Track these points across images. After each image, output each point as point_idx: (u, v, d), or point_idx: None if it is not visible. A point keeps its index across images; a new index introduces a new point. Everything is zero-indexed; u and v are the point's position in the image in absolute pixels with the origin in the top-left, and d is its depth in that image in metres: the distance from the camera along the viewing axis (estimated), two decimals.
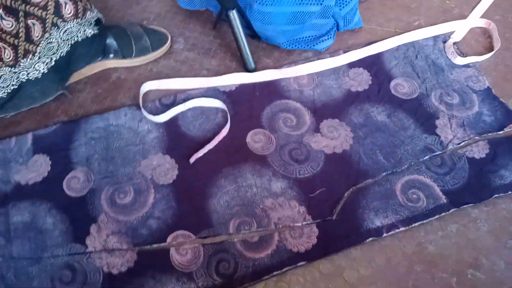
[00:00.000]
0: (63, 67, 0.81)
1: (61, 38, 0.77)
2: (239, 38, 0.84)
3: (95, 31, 0.81)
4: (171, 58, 0.91)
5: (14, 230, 0.70)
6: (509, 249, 0.67)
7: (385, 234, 0.67)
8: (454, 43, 0.90)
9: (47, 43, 0.76)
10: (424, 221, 0.69)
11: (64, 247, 0.69)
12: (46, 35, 0.74)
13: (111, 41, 0.85)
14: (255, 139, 0.79)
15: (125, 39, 0.87)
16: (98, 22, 0.83)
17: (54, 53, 0.78)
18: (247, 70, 0.87)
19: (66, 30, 0.77)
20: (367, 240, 0.67)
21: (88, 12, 0.78)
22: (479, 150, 0.75)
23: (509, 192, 0.71)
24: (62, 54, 0.79)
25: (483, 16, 0.94)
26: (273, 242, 0.68)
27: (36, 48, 0.74)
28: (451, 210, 0.69)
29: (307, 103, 0.83)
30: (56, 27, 0.75)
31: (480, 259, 0.66)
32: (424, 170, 0.73)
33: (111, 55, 0.87)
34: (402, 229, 0.68)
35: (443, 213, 0.69)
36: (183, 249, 0.67)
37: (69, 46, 0.79)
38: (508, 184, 0.71)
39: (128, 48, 0.87)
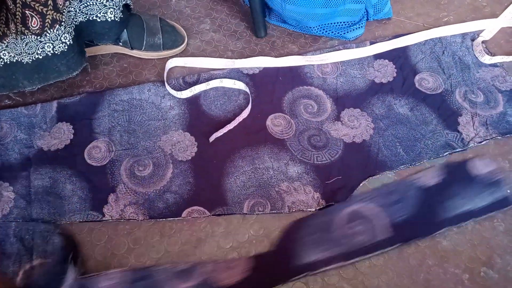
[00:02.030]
0: (81, 39, 0.81)
1: (79, 9, 0.77)
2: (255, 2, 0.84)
3: (117, 18, 0.80)
4: (197, 38, 0.92)
5: (35, 193, 0.72)
6: None
7: (323, 269, 0.63)
8: (482, 42, 0.88)
9: (68, 11, 0.76)
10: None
11: (82, 213, 0.70)
12: (67, 3, 0.74)
13: (124, 32, 0.85)
14: (275, 123, 0.79)
15: (137, 33, 0.86)
16: (127, 7, 0.83)
17: (72, 22, 0.77)
18: (256, 36, 0.89)
19: (87, 6, 0.77)
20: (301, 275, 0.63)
21: None
22: (431, 177, 0.71)
23: (460, 224, 0.68)
24: (77, 23, 0.78)
25: None
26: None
27: (62, 17, 0.74)
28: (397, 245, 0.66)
29: (330, 91, 0.82)
30: (78, 0, 0.75)
31: (494, 257, 0.66)
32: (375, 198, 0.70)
33: (120, 43, 0.87)
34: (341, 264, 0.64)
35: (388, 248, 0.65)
36: None
37: (86, 19, 0.79)
38: (459, 215, 0.68)
39: (138, 41, 0.86)
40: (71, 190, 0.73)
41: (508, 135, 0.76)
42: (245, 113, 0.79)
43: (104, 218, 0.70)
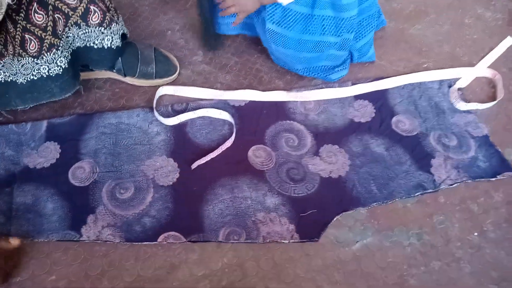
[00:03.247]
0: (76, 63, 0.84)
1: (78, 35, 0.80)
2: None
3: (113, 46, 0.83)
4: (189, 69, 0.96)
5: (16, 209, 0.74)
6: None
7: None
8: (458, 89, 0.93)
9: (66, 37, 0.78)
10: None
11: (60, 232, 0.72)
12: (66, 29, 0.77)
13: (119, 60, 0.88)
14: (256, 154, 0.82)
15: (131, 61, 0.89)
16: (123, 36, 0.86)
17: (70, 46, 0.80)
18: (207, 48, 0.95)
19: (85, 33, 0.80)
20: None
21: (114, 24, 0.81)
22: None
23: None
24: (74, 48, 0.81)
25: (491, 66, 0.98)
26: None
27: (59, 42, 0.77)
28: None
29: (311, 127, 0.86)
30: (77, 27, 0.78)
31: None
32: None
33: (114, 70, 0.90)
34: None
35: None
36: None
37: (84, 45, 0.82)
38: None
39: (132, 69, 0.89)
40: (52, 208, 0.74)
41: (478, 179, 0.79)
42: (228, 143, 0.82)
43: (81, 239, 0.71)
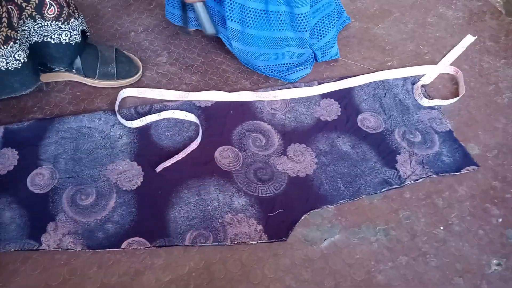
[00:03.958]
0: (35, 58, 0.82)
1: (34, 29, 0.78)
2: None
3: (72, 42, 0.81)
4: (153, 70, 0.94)
5: None
6: (455, 285, 0.69)
7: None
8: (422, 86, 0.95)
9: (22, 30, 0.77)
10: None
11: (18, 242, 0.69)
12: (21, 22, 0.75)
13: (78, 59, 0.86)
14: (223, 155, 0.81)
15: (91, 61, 0.87)
16: (83, 34, 0.84)
17: (27, 40, 0.78)
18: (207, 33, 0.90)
19: (41, 26, 0.78)
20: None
21: (73, 19, 0.79)
22: None
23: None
24: (32, 43, 0.79)
25: (453, 63, 1.00)
26: None
27: (16, 35, 0.75)
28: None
29: (278, 126, 0.86)
30: (32, 20, 0.76)
31: None
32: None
33: (74, 70, 0.88)
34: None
35: None
36: None
37: (41, 40, 0.80)
38: None
39: (91, 69, 0.87)
40: (9, 217, 0.71)
41: (443, 174, 0.81)
42: (194, 145, 0.81)
43: (41, 247, 0.68)
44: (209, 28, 0.88)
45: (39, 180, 0.75)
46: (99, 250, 0.69)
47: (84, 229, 0.70)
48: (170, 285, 0.67)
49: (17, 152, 0.78)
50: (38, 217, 0.71)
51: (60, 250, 0.68)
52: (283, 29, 0.82)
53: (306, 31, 0.84)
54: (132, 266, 0.68)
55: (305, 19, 0.83)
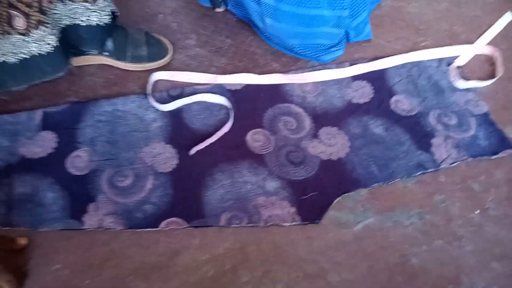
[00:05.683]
0: (67, 42, 0.83)
1: (63, 12, 0.79)
2: None
3: (101, 23, 0.82)
4: (182, 53, 0.94)
5: (16, 200, 0.73)
6: (491, 270, 0.69)
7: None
8: (457, 67, 0.92)
9: (53, 13, 0.77)
10: None
11: (61, 221, 0.71)
12: (51, 5, 0.76)
13: (109, 41, 0.87)
14: (255, 138, 0.81)
15: (122, 43, 0.88)
16: (113, 15, 0.85)
17: (57, 24, 0.79)
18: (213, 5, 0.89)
19: (71, 9, 0.79)
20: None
21: (100, 0, 0.80)
22: None
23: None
24: (63, 26, 0.80)
25: (490, 43, 0.97)
26: None
27: (46, 19, 0.76)
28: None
29: (309, 109, 0.85)
30: (62, 3, 0.77)
31: (461, 277, 0.68)
32: None
33: (106, 53, 0.88)
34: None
35: None
36: None
37: (72, 23, 0.81)
38: None
39: (122, 52, 0.88)
40: (52, 198, 0.74)
41: (479, 158, 0.79)
42: (226, 128, 0.81)
43: (82, 227, 0.71)
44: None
45: (78, 162, 0.77)
46: (138, 230, 0.71)
47: (123, 209, 0.72)
48: (207, 264, 0.69)
49: (55, 135, 0.80)
50: (79, 198, 0.74)
51: (101, 229, 0.71)
52: (319, 6, 0.80)
53: (345, 9, 0.82)
54: (170, 246, 0.70)
55: None
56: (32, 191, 0.74)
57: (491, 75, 0.92)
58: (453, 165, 0.78)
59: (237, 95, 0.87)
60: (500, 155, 0.80)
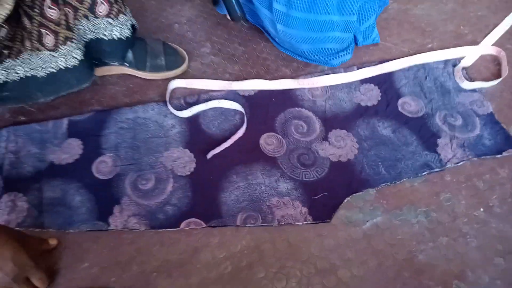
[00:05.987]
0: (91, 55, 0.88)
1: (88, 27, 0.84)
2: None
3: (123, 37, 0.87)
4: (197, 61, 0.99)
5: (46, 204, 0.79)
6: (496, 265, 0.72)
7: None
8: (463, 68, 0.94)
9: (78, 29, 0.83)
10: None
11: (89, 223, 0.77)
12: (76, 22, 0.81)
13: (130, 52, 0.92)
14: (268, 142, 0.86)
15: (141, 54, 0.93)
16: (132, 28, 0.89)
17: (82, 38, 0.84)
18: (232, 19, 0.91)
19: (95, 24, 0.83)
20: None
21: (121, 15, 0.84)
22: None
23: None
24: (87, 40, 0.85)
25: (495, 44, 0.98)
26: None
27: (73, 35, 0.81)
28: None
29: (319, 113, 0.89)
30: (86, 19, 0.82)
31: (466, 272, 0.71)
32: None
33: (127, 64, 0.93)
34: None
35: None
36: None
37: (95, 37, 0.86)
38: None
39: (142, 63, 0.93)
40: (79, 201, 0.79)
41: (484, 157, 0.82)
42: (240, 132, 0.86)
43: (109, 228, 0.76)
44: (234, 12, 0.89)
45: (103, 167, 0.83)
46: (161, 230, 0.76)
47: (146, 211, 0.78)
48: (225, 261, 0.73)
49: (81, 142, 0.86)
50: (105, 201, 0.79)
51: (126, 230, 0.76)
52: (328, 13, 0.83)
53: (354, 14, 0.85)
54: (191, 244, 0.75)
55: (354, 1, 0.83)
56: (61, 195, 0.80)
57: (497, 75, 0.94)
58: (459, 164, 0.81)
59: (250, 100, 0.91)
60: (505, 154, 0.82)
